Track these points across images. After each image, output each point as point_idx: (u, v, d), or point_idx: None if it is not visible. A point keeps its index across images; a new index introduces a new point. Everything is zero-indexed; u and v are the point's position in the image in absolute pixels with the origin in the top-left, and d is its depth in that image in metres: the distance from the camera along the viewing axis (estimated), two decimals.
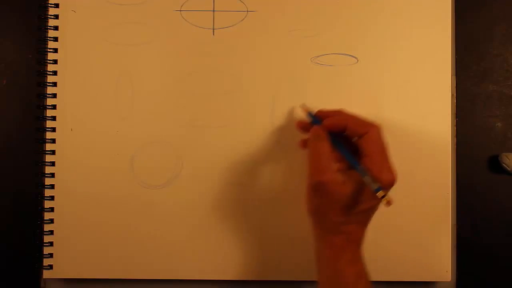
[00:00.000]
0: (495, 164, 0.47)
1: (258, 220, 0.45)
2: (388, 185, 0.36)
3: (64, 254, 0.45)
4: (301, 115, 0.44)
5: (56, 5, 0.46)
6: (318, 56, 0.45)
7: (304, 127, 0.42)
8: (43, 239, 0.45)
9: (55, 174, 0.45)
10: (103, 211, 0.45)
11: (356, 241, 0.38)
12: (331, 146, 0.38)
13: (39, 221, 0.45)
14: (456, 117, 0.47)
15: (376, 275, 0.44)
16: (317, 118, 0.41)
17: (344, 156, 0.38)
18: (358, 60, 0.45)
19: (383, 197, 0.34)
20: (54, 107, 0.45)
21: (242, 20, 0.45)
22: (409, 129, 0.44)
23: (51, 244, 0.45)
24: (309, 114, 0.42)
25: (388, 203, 0.35)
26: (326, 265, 0.38)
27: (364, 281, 0.38)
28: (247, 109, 0.45)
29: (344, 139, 0.39)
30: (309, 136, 0.40)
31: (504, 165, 0.46)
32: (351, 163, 0.37)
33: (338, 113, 0.40)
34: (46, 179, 0.45)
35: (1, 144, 0.47)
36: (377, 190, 0.35)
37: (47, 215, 0.45)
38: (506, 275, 0.47)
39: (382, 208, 0.40)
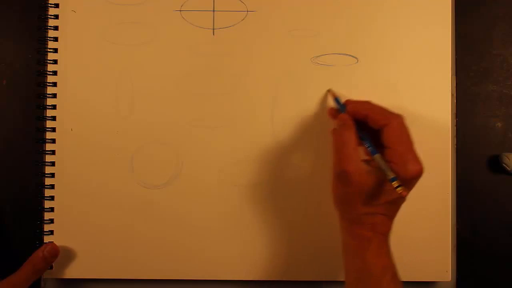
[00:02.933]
0: (495, 164, 0.47)
1: (258, 220, 0.45)
2: (414, 175, 0.35)
3: (64, 254, 0.45)
4: (331, 102, 0.44)
5: (56, 5, 0.46)
6: (318, 56, 0.45)
7: (332, 114, 0.42)
8: (43, 239, 0.45)
9: (55, 174, 0.45)
10: (103, 211, 0.45)
11: (383, 233, 0.38)
12: (357, 135, 0.38)
13: (39, 221, 0.45)
14: (456, 117, 0.47)
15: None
16: (343, 106, 0.41)
17: (365, 146, 0.38)
18: (358, 60, 0.45)
19: (398, 187, 0.34)
20: (54, 107, 0.45)
21: (242, 20, 0.45)
22: (409, 128, 0.44)
23: None
24: (336, 99, 0.42)
25: (402, 193, 0.34)
26: (352, 257, 0.38)
27: (391, 274, 0.37)
28: (247, 109, 0.45)
29: (371, 130, 0.38)
30: (335, 124, 0.40)
31: (504, 165, 0.46)
32: (371, 152, 0.37)
33: (362, 102, 0.40)
34: (46, 179, 0.45)
35: (1, 144, 0.47)
36: (393, 180, 0.34)
37: (47, 215, 0.45)
38: (506, 275, 0.47)
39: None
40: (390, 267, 0.37)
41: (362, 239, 0.37)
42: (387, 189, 0.36)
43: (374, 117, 0.37)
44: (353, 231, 0.38)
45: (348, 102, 0.41)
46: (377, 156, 0.36)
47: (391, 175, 0.35)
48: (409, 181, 0.36)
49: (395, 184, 0.34)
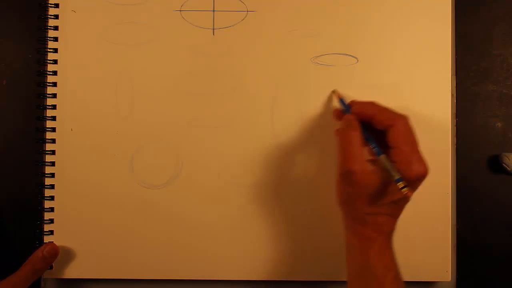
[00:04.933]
0: (495, 164, 0.47)
1: (258, 219, 0.45)
2: (419, 176, 0.35)
3: (64, 254, 0.45)
4: (336, 104, 0.44)
5: (56, 5, 0.46)
6: (318, 56, 0.45)
7: (338, 115, 0.42)
8: (43, 239, 0.45)
9: (55, 174, 0.45)
10: (103, 211, 0.45)
11: (386, 233, 0.38)
12: (362, 135, 0.38)
13: (39, 221, 0.45)
14: (456, 117, 0.47)
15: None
16: (348, 107, 0.41)
17: (370, 146, 0.38)
18: (358, 60, 0.45)
19: (403, 188, 0.34)
20: (54, 107, 0.45)
21: (242, 20, 0.45)
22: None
23: None
24: (341, 100, 0.42)
25: (407, 194, 0.34)
26: (355, 256, 0.38)
27: (393, 274, 0.37)
28: (247, 109, 0.45)
29: (376, 131, 0.38)
30: (340, 125, 0.40)
31: (504, 165, 0.46)
32: (376, 152, 0.37)
33: (367, 103, 0.40)
34: (46, 179, 0.45)
35: (1, 144, 0.47)
36: (398, 181, 0.34)
37: (47, 215, 0.45)
38: (506, 275, 0.47)
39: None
40: (393, 267, 0.37)
41: (366, 239, 0.37)
42: (392, 189, 0.36)
43: (380, 117, 0.38)
44: (356, 230, 0.38)
45: (353, 103, 0.41)
46: (382, 157, 0.36)
47: (396, 176, 0.35)
48: (414, 182, 0.36)
49: (400, 184, 0.34)
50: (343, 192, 0.38)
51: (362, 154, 0.37)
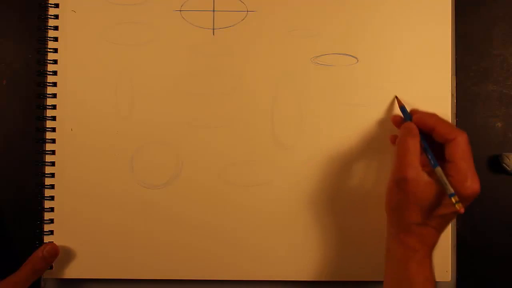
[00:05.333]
0: (495, 164, 0.46)
1: (257, 219, 0.45)
2: (471, 193, 0.35)
3: (64, 254, 0.45)
4: (396, 111, 0.44)
5: (56, 5, 0.46)
6: (318, 56, 0.45)
7: (397, 122, 0.42)
8: (43, 239, 0.45)
9: (55, 174, 0.45)
10: (103, 211, 0.45)
11: (429, 245, 0.38)
12: (420, 145, 0.38)
13: (39, 221, 0.45)
14: (456, 117, 0.47)
15: (376, 275, 0.44)
16: (409, 115, 0.41)
17: (427, 157, 0.38)
18: (358, 60, 0.45)
19: (456, 203, 0.34)
20: (54, 107, 0.45)
21: (242, 20, 0.45)
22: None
23: None
24: (401, 108, 0.42)
25: (460, 210, 0.34)
26: (395, 265, 0.38)
27: (431, 287, 0.37)
28: (247, 109, 0.45)
29: (431, 143, 0.38)
30: (400, 131, 0.40)
31: (504, 165, 0.46)
32: (432, 164, 0.37)
33: (429, 114, 0.40)
34: (46, 179, 0.45)
35: (1, 144, 0.47)
36: (452, 195, 0.35)
37: (47, 215, 0.45)
38: (506, 275, 0.47)
39: (381, 207, 0.40)
40: (431, 280, 0.37)
41: (408, 248, 0.37)
42: (443, 203, 0.36)
43: (441, 130, 0.37)
44: (400, 239, 0.38)
45: (414, 111, 0.41)
46: (438, 169, 0.36)
47: (450, 190, 0.35)
48: (466, 198, 0.36)
49: (454, 199, 0.35)
50: (393, 198, 0.38)
51: (418, 163, 0.37)
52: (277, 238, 0.45)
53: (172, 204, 0.45)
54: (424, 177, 0.36)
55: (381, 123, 0.45)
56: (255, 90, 0.45)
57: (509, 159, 0.45)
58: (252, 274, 0.45)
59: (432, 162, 0.37)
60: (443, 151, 0.37)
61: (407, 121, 0.40)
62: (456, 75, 0.47)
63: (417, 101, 0.45)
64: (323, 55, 0.45)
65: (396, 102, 0.44)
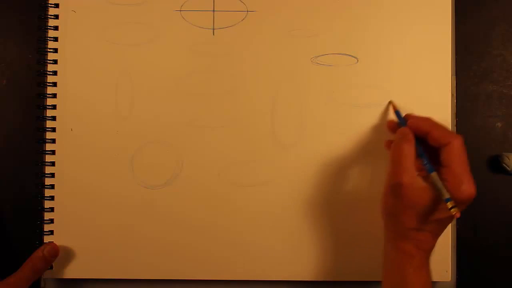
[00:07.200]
0: (495, 164, 0.46)
1: (257, 219, 0.45)
2: (466, 197, 0.35)
3: (64, 254, 0.45)
4: (391, 115, 0.44)
5: (56, 5, 0.46)
6: (318, 56, 0.45)
7: (392, 127, 0.42)
8: (43, 239, 0.45)
9: (55, 174, 0.45)
10: (103, 211, 0.45)
11: (425, 250, 0.38)
12: (415, 150, 0.38)
13: (39, 221, 0.45)
14: (456, 117, 0.47)
15: (376, 275, 0.44)
16: (404, 120, 0.41)
17: (422, 162, 0.37)
18: (358, 60, 0.45)
19: (452, 208, 0.34)
20: (54, 107, 0.45)
21: (242, 20, 0.45)
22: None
23: None
24: (396, 112, 0.42)
25: (456, 215, 0.34)
26: (392, 270, 0.38)
27: None
28: (247, 109, 0.45)
29: (426, 147, 0.38)
30: (395, 136, 0.39)
31: (504, 165, 0.46)
32: (428, 169, 0.37)
33: (424, 118, 0.39)
34: (46, 179, 0.45)
35: (1, 144, 0.47)
36: (447, 200, 0.34)
37: (47, 215, 0.45)
38: (506, 275, 0.47)
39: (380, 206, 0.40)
40: (428, 285, 0.37)
41: (405, 254, 0.37)
42: (439, 207, 0.36)
43: (436, 134, 0.37)
44: (396, 244, 0.38)
45: (409, 116, 0.41)
46: (434, 174, 0.36)
47: (446, 195, 0.35)
48: (462, 202, 0.35)
49: (449, 204, 0.34)
50: (389, 204, 0.38)
51: (414, 168, 0.37)
52: (277, 238, 0.45)
53: (172, 204, 0.45)
54: (420, 182, 0.36)
55: (382, 122, 0.45)
56: (255, 90, 0.45)
57: (509, 159, 0.45)
58: (252, 274, 0.45)
59: (427, 167, 0.37)
60: (438, 156, 0.37)
61: (401, 127, 0.40)
62: (456, 75, 0.47)
63: (417, 102, 0.45)
64: (323, 55, 0.45)
65: (390, 106, 0.44)
